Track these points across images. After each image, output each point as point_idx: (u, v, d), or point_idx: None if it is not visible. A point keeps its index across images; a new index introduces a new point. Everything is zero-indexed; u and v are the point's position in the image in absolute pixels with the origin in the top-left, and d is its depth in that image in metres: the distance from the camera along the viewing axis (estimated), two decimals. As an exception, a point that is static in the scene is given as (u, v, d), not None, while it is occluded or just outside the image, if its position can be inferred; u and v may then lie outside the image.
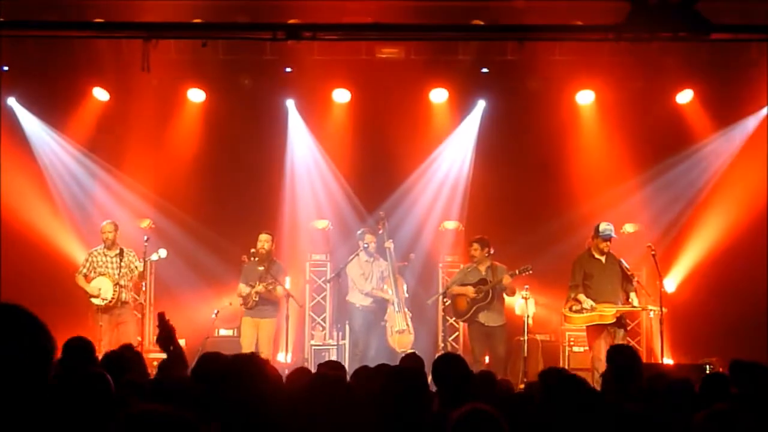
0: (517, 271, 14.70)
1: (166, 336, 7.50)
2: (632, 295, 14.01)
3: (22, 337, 3.48)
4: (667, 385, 6.79)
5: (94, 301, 14.78)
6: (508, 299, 15.31)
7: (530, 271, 14.63)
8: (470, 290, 14.95)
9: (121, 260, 14.93)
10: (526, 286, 14.77)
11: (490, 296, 14.89)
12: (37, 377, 3.46)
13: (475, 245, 15.14)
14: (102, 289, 14.81)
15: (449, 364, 7.02)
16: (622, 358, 7.92)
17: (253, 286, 15.02)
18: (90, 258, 15.13)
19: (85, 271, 15.04)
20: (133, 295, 15.33)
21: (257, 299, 15.05)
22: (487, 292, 14.88)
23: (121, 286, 14.87)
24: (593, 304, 13.73)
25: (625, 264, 14.07)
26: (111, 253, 15.07)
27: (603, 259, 14.03)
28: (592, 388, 5.44)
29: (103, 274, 14.94)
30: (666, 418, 6.21)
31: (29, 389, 3.42)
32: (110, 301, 14.74)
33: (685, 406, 6.37)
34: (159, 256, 15.10)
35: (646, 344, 16.08)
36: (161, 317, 7.64)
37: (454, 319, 16.22)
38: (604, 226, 14.03)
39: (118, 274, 14.87)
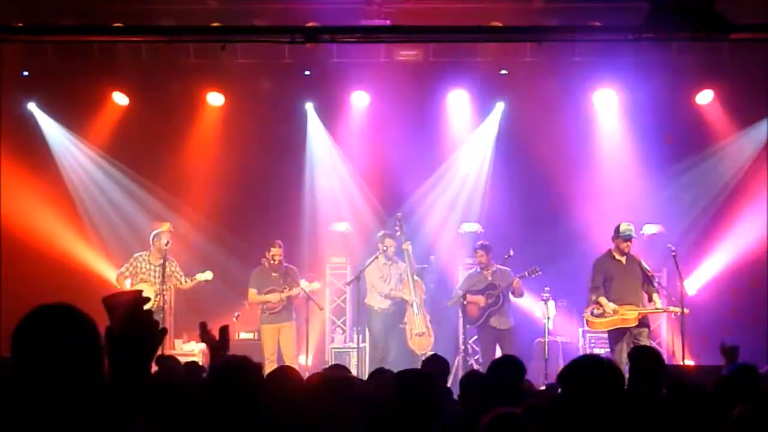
0: (526, 273, 14.80)
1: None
2: (655, 296, 13.97)
3: (80, 336, 3.49)
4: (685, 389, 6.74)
5: None
6: (524, 301, 15.37)
7: (539, 273, 14.69)
8: (481, 299, 15.06)
9: (163, 270, 15.02)
10: (547, 288, 14.78)
11: (501, 300, 14.98)
12: (93, 375, 3.48)
13: (481, 252, 15.25)
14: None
15: (507, 367, 7.09)
16: (644, 359, 7.86)
17: (280, 292, 15.26)
18: (134, 263, 15.28)
19: (127, 273, 15.18)
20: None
21: (286, 302, 15.30)
22: (497, 297, 15.02)
23: (163, 297, 15.01)
24: (615, 307, 13.69)
25: (645, 265, 14.02)
26: (156, 262, 15.20)
27: (623, 260, 14.00)
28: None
29: (145, 281, 15.04)
30: (686, 421, 6.18)
31: (86, 387, 3.43)
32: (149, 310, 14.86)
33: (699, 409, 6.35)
34: (206, 278, 15.34)
35: (666, 346, 16.00)
36: (203, 328, 7.68)
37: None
38: (624, 227, 14.01)
39: (160, 284, 14.98)
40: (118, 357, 3.51)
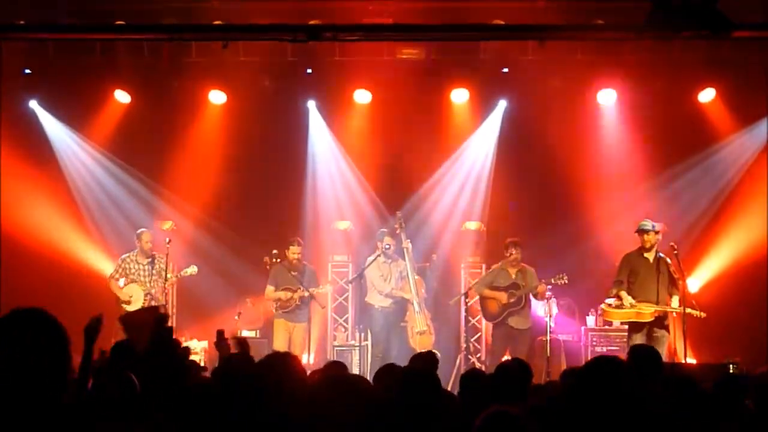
0: (552, 280, 14.75)
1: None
2: (674, 298, 14.01)
3: (44, 340, 3.51)
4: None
5: (125, 307, 15.01)
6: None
7: (566, 281, 14.68)
8: (503, 296, 14.99)
9: (152, 268, 15.12)
10: (549, 287, 14.77)
11: (523, 301, 14.96)
12: (57, 377, 3.50)
13: (516, 249, 15.11)
14: (133, 296, 15.13)
15: (514, 371, 7.11)
16: (641, 358, 7.86)
17: (294, 290, 15.22)
18: (123, 264, 15.40)
19: (117, 276, 15.26)
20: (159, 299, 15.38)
21: (299, 303, 15.24)
22: (520, 297, 14.96)
23: (151, 295, 15.07)
24: (633, 301, 13.79)
25: (671, 267, 14.04)
26: (143, 261, 15.32)
27: (651, 258, 14.06)
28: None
29: (135, 281, 15.20)
30: (686, 421, 6.18)
31: (51, 389, 3.46)
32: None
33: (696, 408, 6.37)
34: (191, 272, 15.34)
35: (669, 344, 15.98)
36: (220, 335, 7.85)
37: (476, 319, 16.24)
38: (642, 222, 14.14)
39: (150, 283, 15.08)
40: (145, 378, 3.58)
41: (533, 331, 15.32)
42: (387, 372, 7.45)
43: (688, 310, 13.84)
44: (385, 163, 17.34)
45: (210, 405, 5.30)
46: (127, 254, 15.52)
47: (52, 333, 3.56)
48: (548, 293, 14.85)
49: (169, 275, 15.24)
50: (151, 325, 6.87)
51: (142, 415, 5.77)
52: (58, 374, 3.52)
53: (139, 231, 15.59)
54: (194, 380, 7.56)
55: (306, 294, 15.13)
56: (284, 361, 5.84)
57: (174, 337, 8.57)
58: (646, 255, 14.10)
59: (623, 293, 13.95)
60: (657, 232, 14.18)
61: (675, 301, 13.99)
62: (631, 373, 4.94)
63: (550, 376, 13.93)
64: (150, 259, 15.31)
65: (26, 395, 3.42)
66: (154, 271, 15.16)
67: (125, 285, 15.27)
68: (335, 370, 7.57)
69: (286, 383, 5.60)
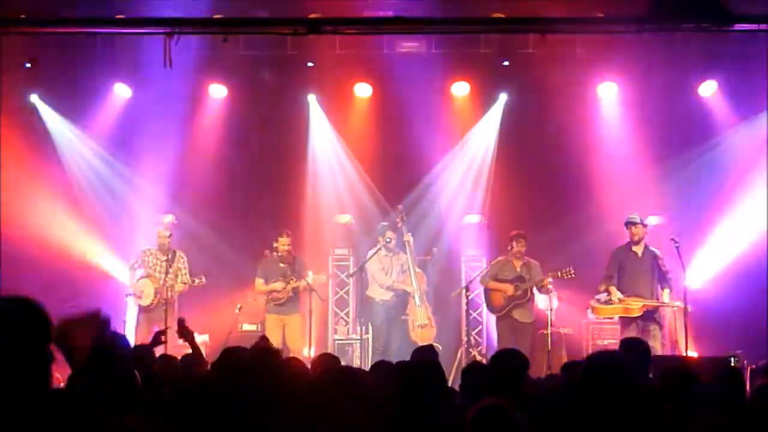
0: (559, 273, 14.77)
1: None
2: (665, 292, 14.04)
3: (29, 329, 3.53)
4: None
5: (136, 300, 15.13)
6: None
7: (573, 275, 14.69)
8: (509, 288, 15.03)
9: (170, 265, 15.19)
10: (550, 280, 14.78)
11: (528, 294, 15.00)
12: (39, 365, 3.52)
13: (522, 242, 15.16)
14: (144, 291, 15.23)
15: (510, 360, 7.10)
16: (631, 351, 7.89)
17: (288, 282, 15.20)
18: (142, 256, 15.62)
19: (136, 266, 15.57)
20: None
21: (291, 294, 15.25)
22: (525, 291, 15.03)
23: (161, 293, 15.13)
24: (621, 296, 13.85)
25: (661, 261, 14.07)
26: (162, 257, 15.45)
27: (639, 252, 14.13)
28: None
29: (150, 276, 15.31)
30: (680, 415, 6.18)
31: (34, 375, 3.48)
32: (149, 305, 15.13)
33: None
34: (199, 282, 15.48)
35: (670, 337, 15.98)
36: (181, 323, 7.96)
37: (477, 312, 16.25)
38: (630, 215, 14.21)
39: (163, 280, 15.12)
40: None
41: (535, 325, 15.34)
42: (380, 367, 7.47)
43: (677, 303, 13.89)
44: (386, 156, 17.35)
45: (208, 399, 5.30)
46: (148, 247, 15.69)
47: (31, 321, 3.57)
48: (549, 286, 14.86)
49: (183, 280, 15.33)
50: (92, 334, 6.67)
51: (137, 406, 5.76)
52: (41, 363, 3.52)
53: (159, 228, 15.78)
54: (193, 374, 7.57)
55: (300, 284, 15.17)
56: (271, 355, 5.84)
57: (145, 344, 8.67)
58: (634, 249, 14.19)
59: (612, 288, 14.06)
60: (645, 225, 14.22)
61: (666, 295, 14.05)
62: (629, 366, 4.94)
63: (551, 370, 13.94)
64: (168, 257, 15.41)
65: (10, 383, 3.42)
66: (170, 269, 15.25)
67: (141, 278, 15.39)
68: (329, 362, 7.58)
69: (284, 376, 5.60)
